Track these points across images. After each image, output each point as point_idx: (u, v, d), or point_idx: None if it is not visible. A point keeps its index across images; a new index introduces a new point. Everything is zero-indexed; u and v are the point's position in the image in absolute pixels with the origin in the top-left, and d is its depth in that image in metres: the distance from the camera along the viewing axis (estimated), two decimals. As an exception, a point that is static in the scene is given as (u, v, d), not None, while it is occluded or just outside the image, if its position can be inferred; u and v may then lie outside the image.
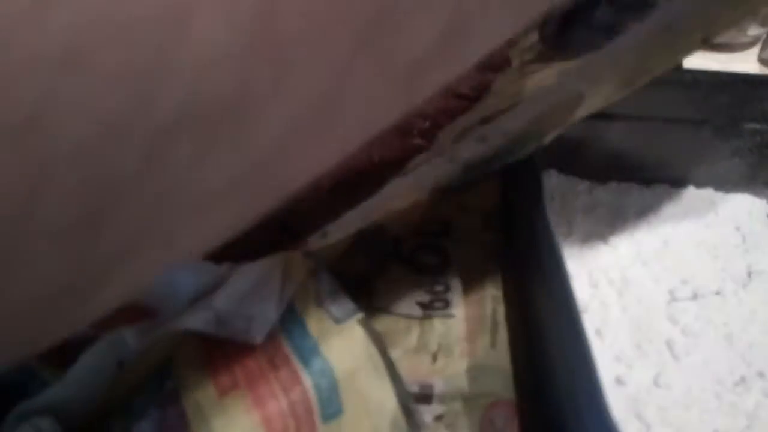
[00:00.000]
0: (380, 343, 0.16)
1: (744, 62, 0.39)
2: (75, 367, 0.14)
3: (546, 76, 0.22)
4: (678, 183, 0.28)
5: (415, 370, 0.18)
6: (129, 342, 0.14)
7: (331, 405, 0.15)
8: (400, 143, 0.24)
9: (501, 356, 0.19)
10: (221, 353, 0.15)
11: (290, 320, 0.15)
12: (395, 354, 0.18)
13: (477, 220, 0.24)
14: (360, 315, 0.16)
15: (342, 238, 0.19)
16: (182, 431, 0.14)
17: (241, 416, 0.14)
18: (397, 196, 0.20)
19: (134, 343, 0.14)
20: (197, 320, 0.15)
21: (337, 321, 0.16)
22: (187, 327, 0.15)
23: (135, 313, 0.16)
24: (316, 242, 0.18)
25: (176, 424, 0.14)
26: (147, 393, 0.15)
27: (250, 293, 0.15)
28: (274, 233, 0.20)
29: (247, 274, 0.16)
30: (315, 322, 0.15)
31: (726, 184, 0.28)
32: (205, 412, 0.14)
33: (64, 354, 0.16)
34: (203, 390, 0.14)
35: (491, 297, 0.21)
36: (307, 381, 0.15)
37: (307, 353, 0.15)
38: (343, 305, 0.16)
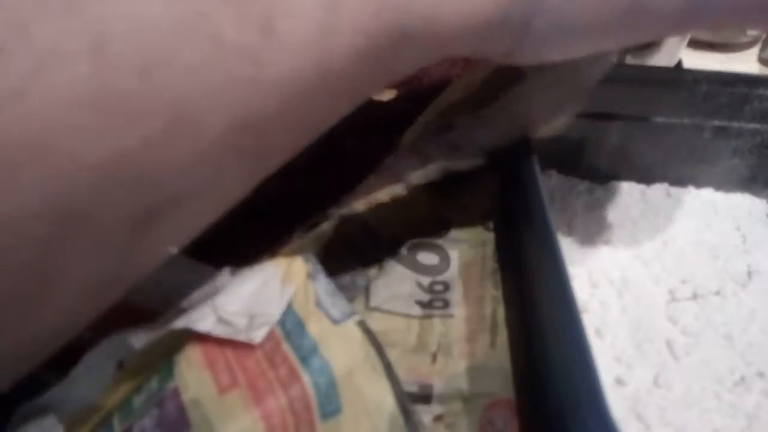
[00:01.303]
0: (378, 345, 0.16)
1: (744, 62, 0.39)
2: (77, 367, 0.15)
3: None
4: (678, 183, 0.28)
5: (414, 369, 0.19)
6: (131, 342, 0.14)
7: (330, 403, 0.15)
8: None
9: (501, 356, 0.19)
10: (221, 353, 0.15)
11: (289, 321, 0.15)
12: (394, 353, 0.18)
13: (477, 220, 0.24)
14: (358, 317, 0.16)
15: (324, 231, 0.19)
16: (183, 427, 0.14)
17: (241, 412, 0.14)
18: (376, 191, 0.21)
19: (136, 344, 0.14)
20: (198, 321, 0.15)
21: (336, 322, 0.16)
22: (187, 327, 0.15)
23: (136, 316, 0.16)
24: (300, 236, 0.19)
25: (177, 421, 0.14)
26: (147, 392, 0.15)
27: (250, 295, 0.16)
28: (261, 228, 0.20)
29: (248, 276, 0.16)
30: (314, 323, 0.15)
31: (726, 184, 0.28)
32: (205, 409, 0.14)
33: (65, 356, 0.16)
34: (203, 388, 0.15)
35: (491, 297, 0.21)
36: (306, 379, 0.15)
37: (306, 352, 0.15)
38: (341, 307, 0.16)
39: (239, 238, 0.23)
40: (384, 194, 0.20)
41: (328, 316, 0.16)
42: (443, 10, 0.13)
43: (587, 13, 0.14)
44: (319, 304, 0.16)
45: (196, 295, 0.15)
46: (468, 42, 0.14)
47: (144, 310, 0.16)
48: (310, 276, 0.16)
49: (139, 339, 0.15)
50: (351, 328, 0.16)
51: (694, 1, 0.14)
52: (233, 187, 0.13)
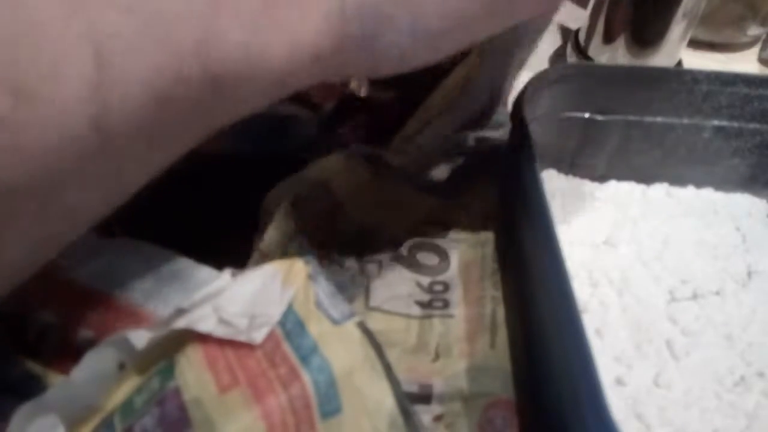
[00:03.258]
0: (378, 347, 0.16)
1: (744, 62, 0.39)
2: (78, 367, 0.15)
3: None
4: (678, 183, 0.28)
5: (414, 370, 0.19)
6: (132, 343, 0.14)
7: (330, 402, 0.15)
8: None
9: (500, 356, 0.19)
10: (221, 353, 0.15)
11: (290, 322, 0.15)
12: (394, 353, 0.18)
13: (477, 220, 0.24)
14: (358, 318, 0.16)
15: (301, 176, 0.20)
16: (183, 426, 0.14)
17: (242, 411, 0.14)
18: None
19: (137, 344, 0.15)
20: (199, 321, 0.15)
21: (336, 323, 0.16)
22: (189, 327, 0.15)
23: (137, 318, 0.16)
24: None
25: (177, 419, 0.14)
26: (148, 392, 0.15)
27: (250, 296, 0.16)
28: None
29: (248, 278, 0.16)
30: (314, 324, 0.16)
31: (726, 184, 0.28)
32: (206, 408, 0.14)
33: (67, 358, 0.16)
34: (204, 387, 0.15)
35: (490, 297, 0.21)
36: (306, 377, 0.15)
37: (306, 352, 0.15)
38: (341, 308, 0.16)
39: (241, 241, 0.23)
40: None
41: (328, 317, 0.16)
42: (268, 50, 0.12)
43: (442, 18, 0.14)
44: (319, 305, 0.16)
45: (198, 296, 0.15)
46: (315, 71, 0.14)
47: (145, 312, 0.16)
48: (311, 278, 0.16)
49: (141, 339, 0.15)
50: (351, 329, 0.16)
51: None
52: (21, 249, 0.12)
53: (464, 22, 0.14)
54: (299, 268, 0.16)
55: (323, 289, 0.16)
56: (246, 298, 0.16)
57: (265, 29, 0.12)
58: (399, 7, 0.13)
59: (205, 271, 0.17)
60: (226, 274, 0.16)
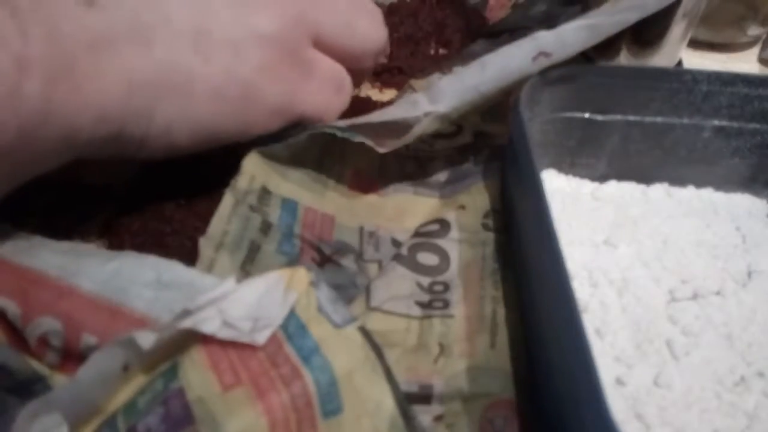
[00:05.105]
0: (378, 350, 0.16)
1: (744, 62, 0.39)
2: (84, 367, 0.15)
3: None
4: (678, 183, 0.28)
5: (414, 370, 0.19)
6: (138, 344, 0.15)
7: (331, 401, 0.15)
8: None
9: (500, 356, 0.19)
10: (225, 354, 0.15)
11: (292, 325, 0.16)
12: (394, 354, 0.19)
13: (476, 220, 0.24)
14: (358, 322, 0.16)
15: (298, 140, 0.22)
16: (187, 423, 0.14)
17: (245, 408, 0.14)
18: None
19: (143, 345, 0.15)
20: (203, 323, 0.15)
21: (337, 326, 0.16)
22: (193, 328, 0.15)
23: (140, 327, 0.16)
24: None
25: (181, 417, 0.14)
26: (152, 393, 0.15)
27: (254, 301, 0.16)
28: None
29: (253, 284, 0.16)
30: (315, 327, 0.16)
31: (726, 184, 0.28)
32: (210, 406, 0.15)
33: (70, 363, 0.16)
34: (207, 387, 0.15)
35: (491, 297, 0.21)
36: (308, 376, 0.15)
37: (308, 352, 0.15)
38: (343, 313, 0.17)
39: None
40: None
41: (330, 321, 0.16)
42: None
43: (205, 112, 0.18)
44: (320, 309, 0.16)
45: (203, 299, 0.15)
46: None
47: (149, 322, 0.17)
48: (313, 284, 0.17)
49: (146, 340, 0.15)
50: (352, 332, 0.16)
51: (286, 102, 0.21)
52: None
53: (222, 120, 0.20)
54: (302, 275, 0.17)
55: (325, 295, 0.17)
56: (250, 302, 0.16)
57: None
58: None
59: (209, 280, 0.18)
60: (231, 281, 0.16)
